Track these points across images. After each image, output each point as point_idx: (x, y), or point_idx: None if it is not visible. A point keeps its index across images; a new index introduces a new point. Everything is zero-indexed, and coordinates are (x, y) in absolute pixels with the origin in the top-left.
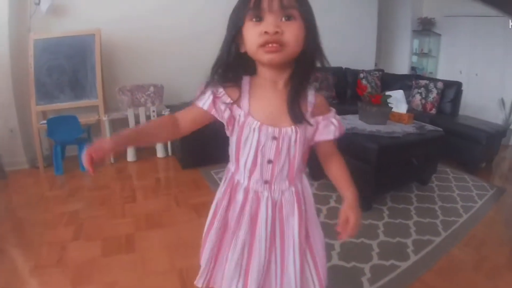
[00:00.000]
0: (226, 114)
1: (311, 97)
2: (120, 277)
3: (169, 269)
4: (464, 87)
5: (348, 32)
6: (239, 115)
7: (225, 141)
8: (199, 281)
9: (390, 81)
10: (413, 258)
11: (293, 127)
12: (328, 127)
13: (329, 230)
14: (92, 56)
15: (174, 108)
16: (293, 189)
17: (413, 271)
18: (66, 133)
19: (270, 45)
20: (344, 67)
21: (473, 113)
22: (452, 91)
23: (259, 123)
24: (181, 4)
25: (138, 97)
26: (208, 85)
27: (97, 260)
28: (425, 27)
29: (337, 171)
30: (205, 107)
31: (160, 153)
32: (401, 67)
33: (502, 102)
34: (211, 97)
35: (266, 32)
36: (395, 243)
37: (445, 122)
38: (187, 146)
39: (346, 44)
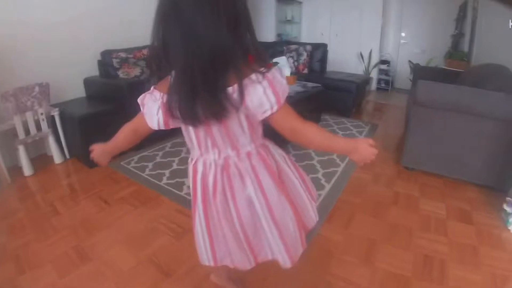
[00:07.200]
0: None
1: None
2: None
3: (139, 261)
4: (327, 47)
5: None
6: None
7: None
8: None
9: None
10: (327, 186)
11: None
12: None
13: None
14: None
15: (62, 106)
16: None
17: (332, 195)
18: None
19: None
20: None
21: (338, 68)
22: (319, 52)
23: None
24: None
25: (24, 101)
26: None
27: (58, 284)
28: None
29: None
30: None
31: (57, 158)
32: (269, 34)
33: (361, 56)
34: None
35: None
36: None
37: (318, 79)
38: (90, 144)
39: None
